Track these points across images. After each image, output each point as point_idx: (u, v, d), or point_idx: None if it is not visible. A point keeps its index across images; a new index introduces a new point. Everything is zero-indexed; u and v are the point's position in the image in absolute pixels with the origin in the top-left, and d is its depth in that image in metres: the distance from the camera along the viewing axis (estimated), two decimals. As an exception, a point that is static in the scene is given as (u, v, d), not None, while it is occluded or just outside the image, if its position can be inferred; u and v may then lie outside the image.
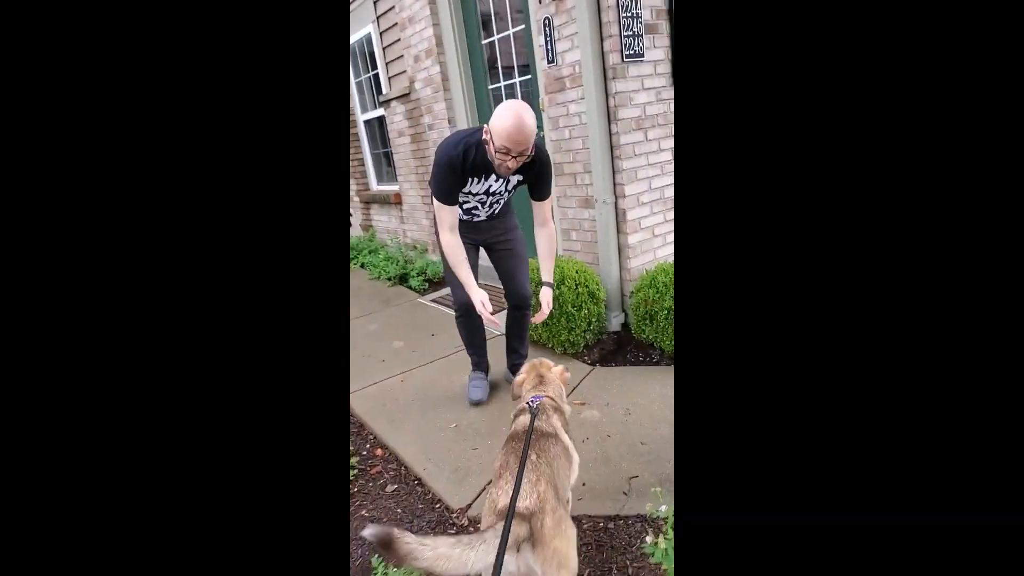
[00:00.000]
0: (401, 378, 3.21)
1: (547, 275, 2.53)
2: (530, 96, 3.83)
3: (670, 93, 3.21)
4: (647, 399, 2.65)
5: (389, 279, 5.15)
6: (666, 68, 3.17)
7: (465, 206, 2.55)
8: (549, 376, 1.92)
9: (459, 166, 2.25)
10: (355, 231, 6.91)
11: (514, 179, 2.50)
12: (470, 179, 2.35)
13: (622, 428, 2.43)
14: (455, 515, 2.07)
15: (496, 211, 2.62)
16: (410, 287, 4.99)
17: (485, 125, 2.20)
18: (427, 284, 4.98)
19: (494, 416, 2.67)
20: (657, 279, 2.95)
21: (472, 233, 2.60)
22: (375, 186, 6.55)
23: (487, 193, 2.49)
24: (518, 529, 1.18)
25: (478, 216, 2.58)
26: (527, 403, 1.76)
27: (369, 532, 1.04)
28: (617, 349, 3.24)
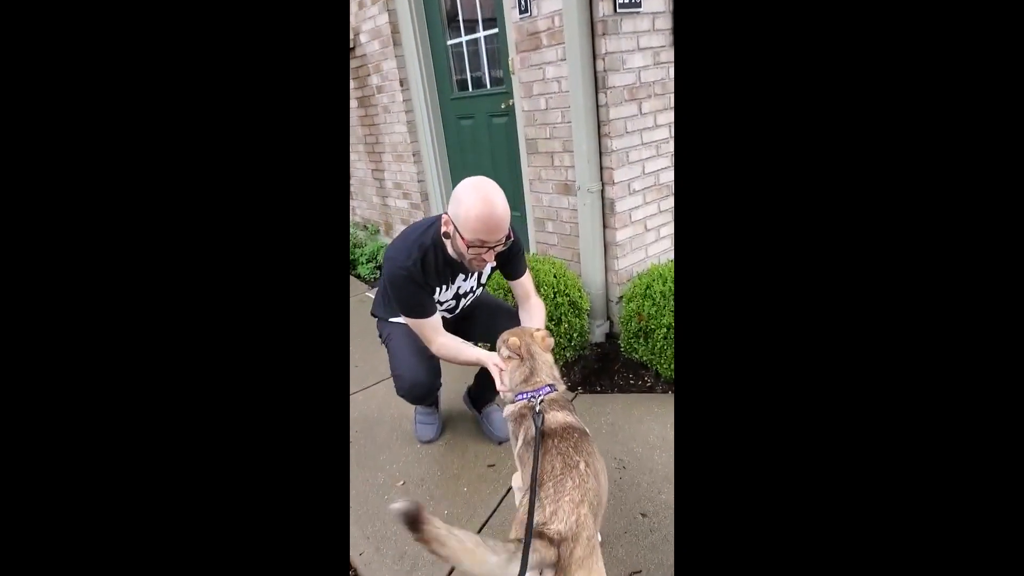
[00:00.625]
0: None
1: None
2: (497, 55, 3.16)
3: (670, 55, 2.60)
4: (645, 445, 2.13)
5: (334, 266, 4.48)
6: (666, 23, 2.55)
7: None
8: (542, 356, 1.61)
9: (420, 279, 1.82)
10: (299, 206, 6.15)
11: (488, 268, 1.99)
12: (437, 289, 1.91)
13: (616, 490, 1.91)
14: (398, 637, 1.52)
15: (467, 308, 2.15)
16: (358, 276, 4.35)
17: (443, 215, 1.75)
18: (377, 272, 4.34)
19: (451, 465, 2.12)
20: (653, 288, 2.41)
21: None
22: (321, 155, 5.78)
23: (456, 297, 2.02)
24: (546, 553, 1.09)
25: (447, 316, 2.09)
26: (529, 400, 1.49)
27: (398, 506, 1.02)
28: (602, 367, 2.70)
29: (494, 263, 1.92)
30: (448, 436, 2.32)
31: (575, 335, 2.60)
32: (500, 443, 2.22)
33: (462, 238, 1.67)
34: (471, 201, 1.62)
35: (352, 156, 4.80)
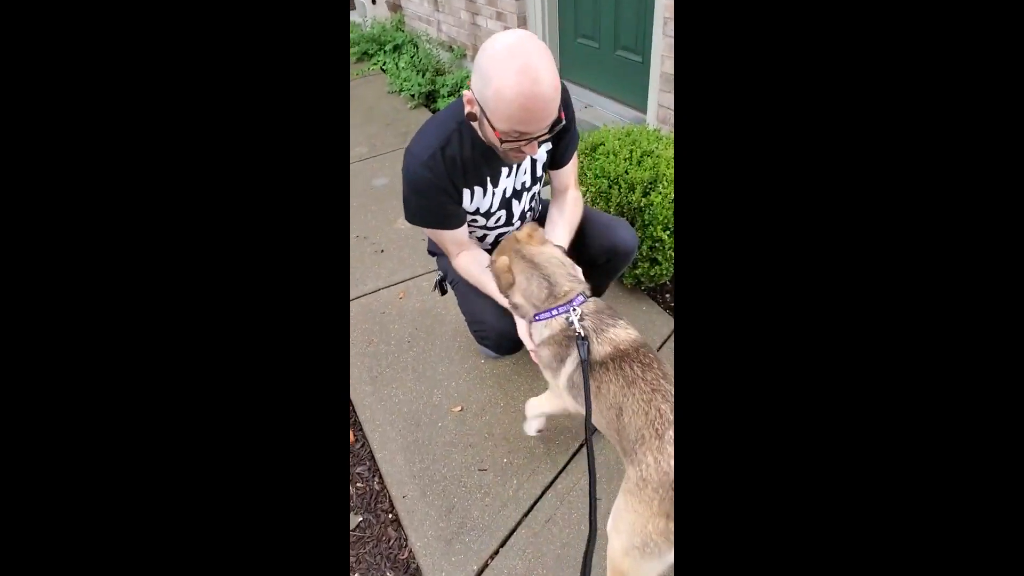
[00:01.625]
0: (401, 291, 2.30)
1: (561, 239, 1.47)
2: None
3: None
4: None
5: (412, 96, 3.89)
6: None
7: (478, 235, 1.57)
8: (545, 253, 1.28)
9: (444, 183, 1.35)
10: (380, 10, 5.32)
11: (542, 152, 1.47)
12: (467, 192, 1.42)
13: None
14: (435, 617, 1.33)
15: (536, 213, 1.67)
16: (436, 110, 3.77)
17: (466, 92, 1.23)
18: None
19: (518, 394, 1.80)
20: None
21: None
22: (406, -54, 4.82)
23: (505, 202, 1.47)
24: None
25: (508, 230, 1.60)
26: (567, 318, 1.20)
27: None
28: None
29: (537, 155, 1.41)
30: (523, 354, 1.95)
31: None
32: None
33: (492, 128, 1.15)
34: (504, 75, 1.08)
35: (440, -46, 3.90)
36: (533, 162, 1.45)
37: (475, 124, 1.28)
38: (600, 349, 1.18)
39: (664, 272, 2.04)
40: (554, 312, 1.22)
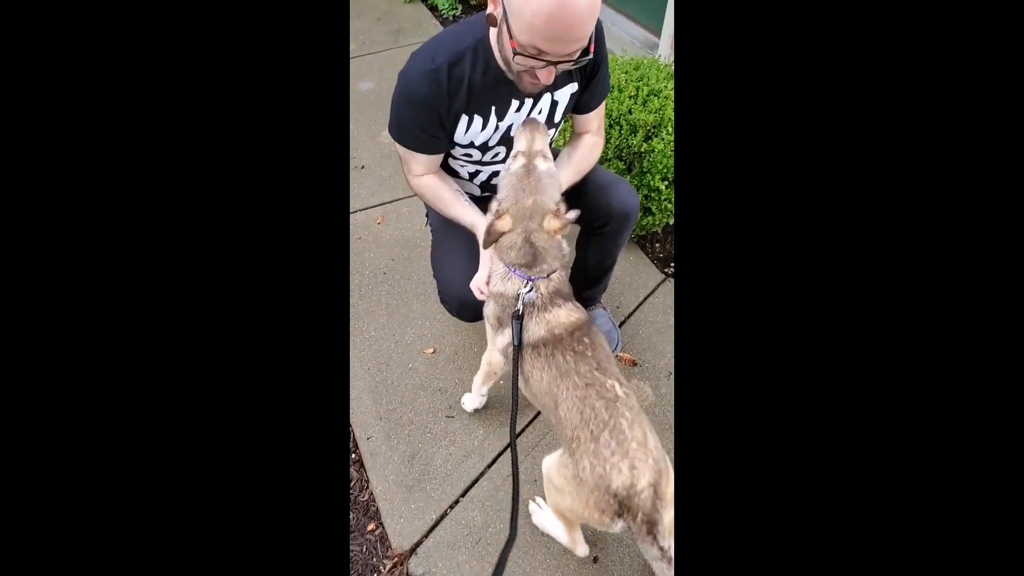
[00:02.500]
0: (379, 215, 2.17)
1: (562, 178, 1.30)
2: None
3: None
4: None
5: (408, -12, 3.52)
6: None
7: (468, 171, 1.38)
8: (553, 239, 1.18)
9: (442, 103, 1.18)
10: None
11: (565, 93, 1.27)
12: (464, 119, 1.23)
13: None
14: (383, 560, 1.35)
15: None
16: (434, 8, 3.43)
17: None
18: (459, 6, 3.41)
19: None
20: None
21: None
22: None
23: (506, 140, 1.29)
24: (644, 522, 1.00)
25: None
26: (520, 289, 1.17)
27: None
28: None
29: (573, 85, 1.25)
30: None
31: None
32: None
33: (510, 35, 1.00)
34: None
35: None
36: (553, 105, 1.27)
37: (492, 34, 1.11)
38: (535, 330, 1.15)
39: (656, 222, 1.94)
40: (519, 272, 1.16)
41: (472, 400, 1.56)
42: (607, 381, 1.09)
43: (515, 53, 1.01)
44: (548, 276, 1.17)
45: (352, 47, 3.10)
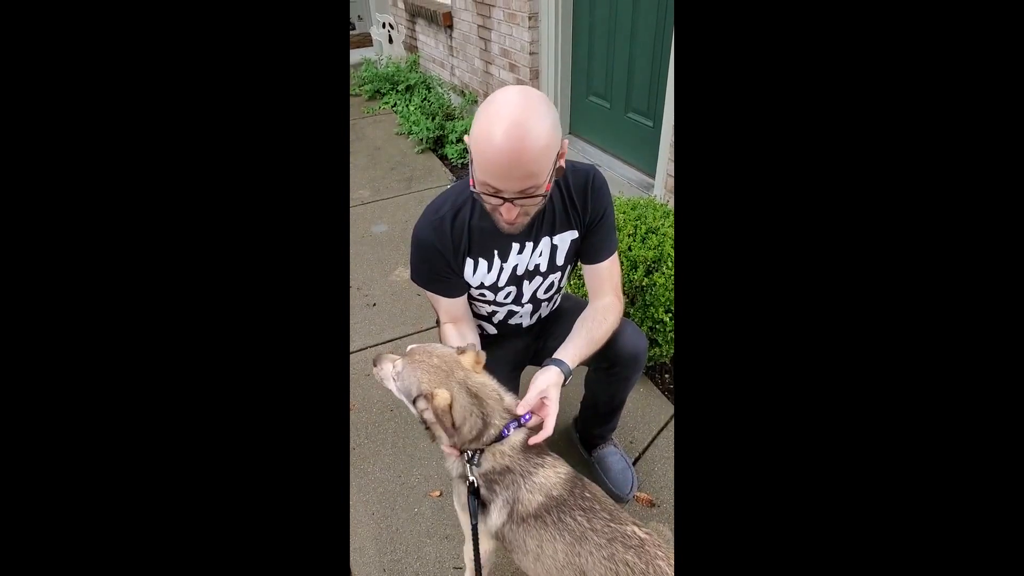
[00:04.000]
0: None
1: (568, 354, 1.26)
2: None
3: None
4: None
5: (420, 140, 3.86)
6: None
7: (486, 310, 1.44)
8: (483, 381, 1.13)
9: (447, 249, 1.28)
10: (396, 49, 5.36)
11: (564, 238, 1.33)
12: (470, 262, 1.32)
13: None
14: None
15: (553, 304, 1.51)
16: (444, 158, 3.74)
17: (467, 135, 1.17)
18: (467, 155, 3.70)
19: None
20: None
21: (514, 339, 1.50)
22: (425, -10, 4.87)
23: (515, 280, 1.36)
24: None
25: (521, 322, 1.48)
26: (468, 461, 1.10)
27: None
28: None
29: (573, 233, 1.31)
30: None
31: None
32: (622, 501, 1.62)
33: (472, 176, 1.11)
34: (491, 119, 1.03)
35: (459, 4, 3.92)
36: (553, 248, 1.33)
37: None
38: (531, 499, 1.04)
39: (663, 353, 1.95)
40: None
41: None
42: (626, 528, 1.01)
43: (473, 191, 1.12)
44: (506, 435, 1.08)
45: (367, 193, 3.34)
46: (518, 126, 0.99)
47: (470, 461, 1.08)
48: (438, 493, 1.68)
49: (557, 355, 1.23)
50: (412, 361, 1.09)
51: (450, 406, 1.03)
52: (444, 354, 1.10)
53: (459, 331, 1.37)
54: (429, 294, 1.36)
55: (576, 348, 1.26)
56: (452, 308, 1.36)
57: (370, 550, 1.54)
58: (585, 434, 1.72)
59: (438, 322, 1.47)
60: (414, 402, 1.08)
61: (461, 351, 1.13)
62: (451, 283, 1.32)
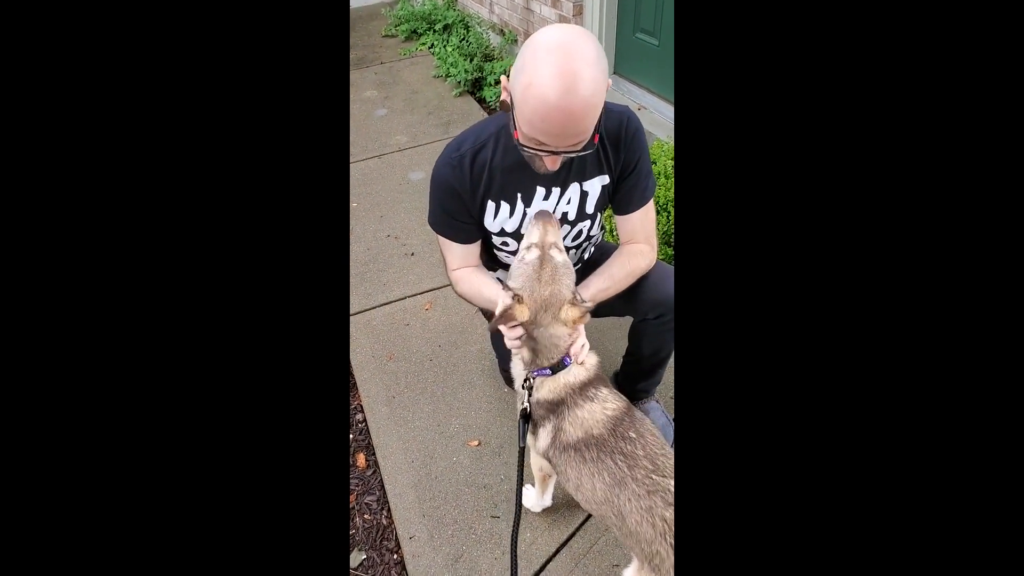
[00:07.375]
0: (428, 302, 2.20)
1: (587, 292, 1.23)
2: None
3: None
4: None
5: (458, 83, 3.74)
6: None
7: (508, 261, 1.36)
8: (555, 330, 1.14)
9: (465, 189, 1.22)
10: (433, -15, 5.14)
11: (595, 184, 1.26)
12: (491, 205, 1.26)
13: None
14: None
15: (586, 254, 1.44)
16: (482, 100, 3.62)
17: (503, 77, 1.09)
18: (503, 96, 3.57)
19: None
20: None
21: None
22: (463, -80, 4.60)
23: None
24: None
25: None
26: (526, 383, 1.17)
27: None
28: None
29: (604, 177, 1.24)
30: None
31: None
32: None
33: (515, 127, 1.02)
34: (539, 72, 0.94)
35: (497, -67, 3.69)
36: (583, 195, 1.26)
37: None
38: (571, 431, 1.10)
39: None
40: (541, 372, 1.14)
41: (534, 498, 1.47)
42: (668, 483, 1.01)
43: (519, 144, 1.04)
44: (553, 372, 1.13)
45: (404, 139, 3.27)
46: (570, 76, 0.92)
47: (528, 387, 1.14)
48: (476, 443, 1.69)
49: (583, 295, 1.19)
50: (537, 270, 1.10)
51: (514, 320, 1.09)
52: (555, 293, 1.10)
53: (476, 271, 1.33)
54: (441, 240, 1.32)
55: (596, 285, 1.25)
56: (463, 254, 1.31)
57: (410, 496, 1.58)
58: (627, 389, 1.70)
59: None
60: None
61: (574, 303, 1.11)
62: (464, 227, 1.27)
